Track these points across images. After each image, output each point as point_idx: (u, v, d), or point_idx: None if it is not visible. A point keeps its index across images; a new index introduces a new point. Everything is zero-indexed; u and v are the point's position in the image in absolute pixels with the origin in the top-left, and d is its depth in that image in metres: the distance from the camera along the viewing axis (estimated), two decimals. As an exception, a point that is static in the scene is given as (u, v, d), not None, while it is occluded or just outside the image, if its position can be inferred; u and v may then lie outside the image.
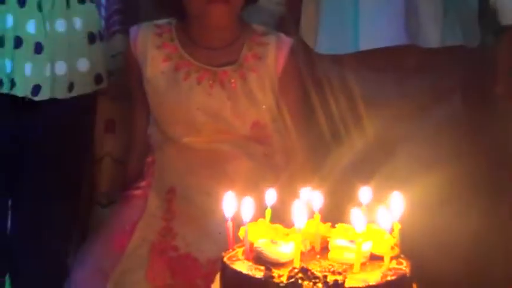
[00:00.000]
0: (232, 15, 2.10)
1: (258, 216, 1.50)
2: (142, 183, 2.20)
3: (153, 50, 2.16)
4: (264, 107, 2.15)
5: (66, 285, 2.09)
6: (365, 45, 2.08)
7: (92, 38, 2.18)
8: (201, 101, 2.12)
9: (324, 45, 2.15)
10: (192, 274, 2.02)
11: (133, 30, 2.20)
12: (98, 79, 2.19)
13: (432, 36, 2.08)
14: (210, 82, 2.12)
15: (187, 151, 2.16)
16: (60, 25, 2.11)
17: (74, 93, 2.13)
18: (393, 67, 2.11)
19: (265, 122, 2.16)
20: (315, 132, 2.16)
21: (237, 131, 2.15)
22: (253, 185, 2.03)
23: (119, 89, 2.29)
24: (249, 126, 2.15)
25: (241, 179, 2.11)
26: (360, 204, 1.54)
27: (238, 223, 1.47)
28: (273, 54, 2.15)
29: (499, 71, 1.96)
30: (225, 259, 1.43)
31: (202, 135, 2.14)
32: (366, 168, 1.99)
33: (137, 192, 2.19)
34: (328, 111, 2.12)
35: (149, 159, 2.22)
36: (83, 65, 2.15)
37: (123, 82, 2.28)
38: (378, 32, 2.09)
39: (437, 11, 2.08)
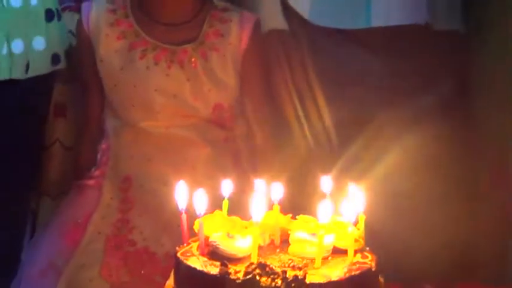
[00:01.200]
0: None
1: (216, 208, 1.44)
2: (96, 172, 2.11)
3: (107, 28, 2.06)
4: (226, 87, 2.07)
5: (15, 281, 2.02)
6: (377, 21, 2.03)
7: (49, 15, 2.06)
8: (159, 82, 2.03)
9: (324, 17, 2.09)
10: (150, 270, 1.94)
11: (85, 6, 2.10)
12: (55, 59, 2.08)
13: (450, 19, 2.04)
14: (168, 62, 2.04)
15: (144, 137, 2.07)
16: (16, 0, 1.99)
17: (30, 74, 2.02)
18: (386, 47, 2.07)
19: (228, 104, 2.07)
20: (279, 116, 2.11)
21: (198, 114, 2.06)
22: (212, 173, 1.97)
23: (69, 70, 2.19)
24: (211, 108, 2.06)
25: (200, 166, 2.04)
26: (323, 195, 1.48)
27: (193, 215, 1.40)
28: (236, 31, 2.07)
29: None
30: (178, 254, 1.36)
31: (161, 119, 2.05)
32: (331, 154, 1.94)
33: (90, 181, 2.10)
34: (297, 91, 2.07)
35: (103, 145, 2.12)
36: (40, 43, 2.04)
37: (73, 62, 2.16)
38: (392, 8, 2.04)
39: None
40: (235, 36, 2.07)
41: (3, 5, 1.96)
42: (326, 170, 1.57)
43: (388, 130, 2.01)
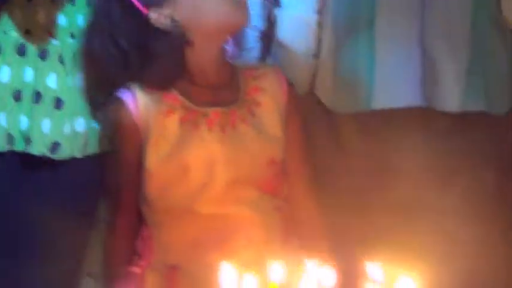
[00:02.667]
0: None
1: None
2: (141, 261, 2.03)
3: (154, 107, 1.98)
4: (277, 139, 2.03)
5: None
6: (378, 104, 2.05)
7: None
8: (216, 151, 1.96)
9: (337, 102, 2.12)
10: None
11: (126, 93, 1.99)
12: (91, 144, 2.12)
13: (450, 100, 2.03)
14: (223, 125, 1.98)
15: (192, 220, 1.98)
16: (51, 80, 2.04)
17: (89, 151, 2.08)
18: (417, 130, 2.05)
19: (279, 159, 2.02)
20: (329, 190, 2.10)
21: (253, 178, 1.99)
22: (264, 252, 1.92)
23: None
24: (265, 167, 1.99)
25: (252, 246, 1.97)
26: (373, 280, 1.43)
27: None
28: (276, 83, 2.05)
29: None
30: None
31: (213, 194, 1.96)
32: (385, 239, 1.90)
33: (135, 270, 2.03)
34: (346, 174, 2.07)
35: (144, 233, 2.05)
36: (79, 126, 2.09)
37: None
38: (392, 91, 2.06)
39: (459, 73, 2.05)
40: (276, 87, 2.05)
41: (67, 84, 2.04)
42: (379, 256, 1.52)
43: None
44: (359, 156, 2.12)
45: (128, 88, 1.99)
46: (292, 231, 2.06)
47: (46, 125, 2.01)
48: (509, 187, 2.08)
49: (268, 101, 2.04)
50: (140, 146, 1.99)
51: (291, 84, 2.09)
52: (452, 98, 2.05)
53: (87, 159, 2.10)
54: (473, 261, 1.98)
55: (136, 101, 1.99)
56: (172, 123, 1.98)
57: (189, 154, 1.96)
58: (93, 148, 2.09)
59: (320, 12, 2.15)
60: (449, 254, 1.93)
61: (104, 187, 2.13)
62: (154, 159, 1.97)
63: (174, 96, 2.00)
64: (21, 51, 2.03)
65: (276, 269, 1.45)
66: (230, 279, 1.39)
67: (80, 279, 2.24)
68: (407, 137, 2.08)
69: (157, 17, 1.96)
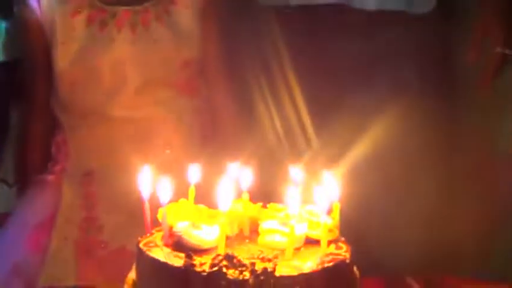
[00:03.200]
0: None
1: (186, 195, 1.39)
2: (56, 167, 2.01)
3: (59, 7, 1.94)
4: (192, 39, 1.99)
5: None
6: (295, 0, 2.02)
7: None
8: (126, 53, 1.93)
9: None
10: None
11: None
12: None
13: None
14: (133, 27, 1.94)
15: (106, 125, 1.96)
16: None
17: None
18: (337, 29, 2.04)
19: (196, 57, 1.99)
20: (246, 88, 2.07)
21: (167, 80, 1.96)
22: (181, 155, 1.90)
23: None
24: (180, 68, 1.96)
25: (171, 145, 1.96)
26: (295, 183, 1.43)
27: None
28: None
29: (473, 39, 1.90)
30: (140, 245, 1.31)
31: (127, 97, 1.94)
32: (301, 142, 1.90)
33: (50, 177, 2.00)
34: (268, 72, 2.04)
35: (58, 138, 2.02)
36: None
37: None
38: None
39: None
40: None
41: None
42: (299, 157, 1.51)
43: (366, 114, 1.97)
44: (286, 52, 2.08)
45: None
46: (212, 133, 2.03)
47: None
48: (430, 84, 2.07)
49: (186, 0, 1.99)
50: (47, 47, 1.95)
51: None
52: None
53: None
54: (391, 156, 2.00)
55: (39, 1, 1.95)
56: (80, 23, 1.94)
57: (97, 56, 1.93)
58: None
59: None
60: (372, 149, 1.93)
61: (15, 93, 2.06)
62: (63, 61, 1.93)
63: None
64: None
65: (194, 171, 1.44)
66: (147, 182, 1.37)
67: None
68: (327, 36, 2.05)
69: None
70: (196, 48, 1.99)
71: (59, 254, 1.92)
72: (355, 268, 1.34)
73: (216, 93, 2.06)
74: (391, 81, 2.04)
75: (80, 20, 1.94)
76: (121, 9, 1.94)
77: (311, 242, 1.32)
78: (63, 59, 1.94)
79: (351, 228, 1.38)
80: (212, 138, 2.04)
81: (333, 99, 2.00)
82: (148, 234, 1.35)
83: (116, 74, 1.93)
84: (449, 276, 1.60)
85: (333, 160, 1.56)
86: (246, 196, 1.39)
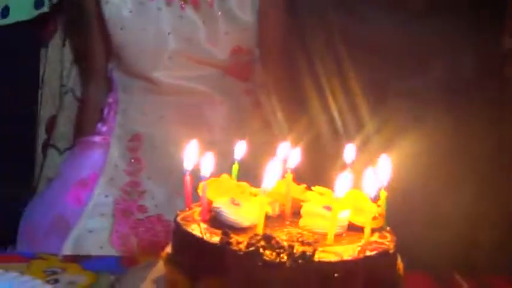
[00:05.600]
0: None
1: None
2: (103, 128, 2.04)
3: None
4: (245, 27, 1.99)
5: (20, 234, 1.98)
6: None
7: None
8: (172, 25, 1.94)
9: None
10: (165, 240, 1.83)
11: None
12: (38, 3, 2.02)
13: None
14: (182, 2, 1.95)
15: (156, 90, 1.98)
16: None
17: (9, 20, 1.98)
18: (399, 8, 2.00)
19: (247, 47, 1.99)
20: (300, 71, 2.04)
21: (215, 61, 1.97)
22: (231, 132, 1.89)
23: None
24: (229, 53, 1.97)
25: (217, 125, 1.96)
26: (345, 165, 1.39)
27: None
28: None
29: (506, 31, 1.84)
30: (178, 219, 1.29)
31: (173, 68, 1.96)
32: (355, 122, 1.85)
33: (96, 138, 2.03)
34: (321, 54, 2.00)
35: (110, 99, 2.05)
36: None
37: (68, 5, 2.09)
38: None
39: None
40: None
41: None
42: (350, 139, 1.47)
43: (421, 100, 1.92)
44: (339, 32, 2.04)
45: None
46: (267, 115, 2.01)
47: None
48: (487, 69, 2.01)
49: None
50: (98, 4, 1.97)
51: None
52: None
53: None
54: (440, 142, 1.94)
55: None
56: None
57: (142, 22, 1.96)
58: (13, 16, 2.00)
59: None
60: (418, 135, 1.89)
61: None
62: (112, 22, 1.97)
63: None
64: None
65: (240, 148, 1.41)
66: (191, 155, 1.35)
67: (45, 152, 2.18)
68: (384, 16, 2.00)
69: None
70: (249, 37, 1.98)
71: (97, 207, 1.95)
72: (399, 259, 1.30)
73: (272, 80, 2.05)
74: (448, 67, 1.98)
75: None
76: None
77: (355, 229, 1.28)
78: (111, 20, 1.96)
79: (397, 218, 1.34)
80: (261, 120, 2.02)
81: (389, 81, 1.95)
82: (187, 209, 1.33)
83: (160, 45, 1.95)
84: (499, 277, 1.55)
85: (385, 145, 1.51)
86: (290, 176, 1.35)
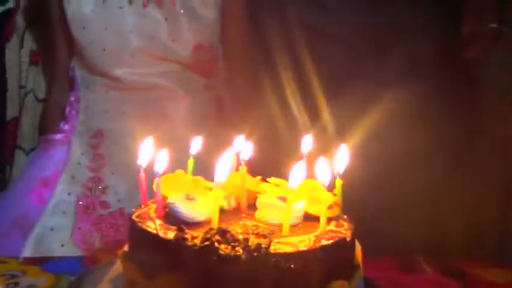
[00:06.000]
0: None
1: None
2: (66, 126, 2.04)
3: None
4: (207, 24, 2.00)
5: None
6: None
7: None
8: (134, 23, 1.95)
9: None
10: (126, 234, 1.85)
11: None
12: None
13: None
14: (144, 1, 1.95)
15: (118, 89, 2.00)
16: None
17: None
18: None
19: (209, 44, 2.00)
20: (258, 65, 2.06)
21: (177, 57, 1.99)
22: (192, 127, 1.90)
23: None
24: (191, 49, 1.99)
25: (179, 120, 1.97)
26: (301, 156, 1.39)
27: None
28: None
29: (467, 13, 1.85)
30: (133, 217, 1.28)
31: (136, 65, 1.98)
32: (313, 113, 1.86)
33: (59, 136, 2.04)
34: (276, 40, 2.02)
35: (72, 98, 2.05)
36: None
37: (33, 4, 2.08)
38: None
39: None
40: None
41: None
42: (306, 130, 1.47)
43: (379, 86, 1.93)
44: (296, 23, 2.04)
45: None
46: (225, 118, 2.01)
47: None
48: (447, 62, 2.03)
49: None
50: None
51: None
52: None
53: None
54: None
55: None
56: None
57: (104, 19, 1.96)
58: None
59: None
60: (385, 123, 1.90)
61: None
62: (74, 20, 1.97)
63: None
64: None
65: (196, 143, 1.41)
66: (146, 152, 1.35)
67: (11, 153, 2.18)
68: (343, 6, 2.02)
69: None
70: (212, 33, 2.00)
71: (59, 206, 1.96)
72: (357, 247, 1.30)
73: (234, 75, 2.07)
74: (406, 55, 2.00)
75: None
76: None
77: (311, 219, 1.28)
78: (73, 20, 1.97)
79: (356, 205, 1.34)
80: (222, 115, 2.03)
81: (348, 71, 1.96)
82: (142, 206, 1.32)
83: (123, 43, 1.96)
84: (463, 260, 1.56)
85: (341, 133, 1.52)
86: (244, 168, 1.35)
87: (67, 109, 2.06)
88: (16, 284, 1.43)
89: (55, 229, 1.91)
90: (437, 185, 1.97)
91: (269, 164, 1.40)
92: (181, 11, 1.96)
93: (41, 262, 1.54)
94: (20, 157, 2.17)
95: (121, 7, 1.94)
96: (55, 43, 2.05)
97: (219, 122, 2.01)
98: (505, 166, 2.00)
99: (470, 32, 1.93)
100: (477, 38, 1.94)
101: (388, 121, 1.87)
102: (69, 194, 1.96)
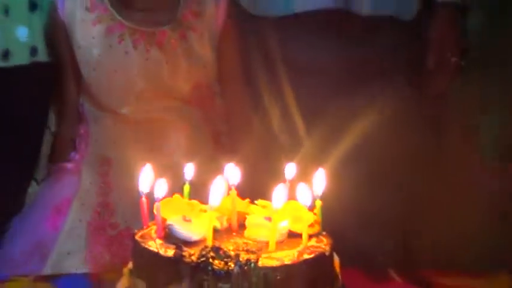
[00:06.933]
0: None
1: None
2: (75, 156, 2.14)
3: (82, 12, 2.07)
4: (205, 65, 2.10)
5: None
6: (299, 7, 2.11)
7: (33, 5, 2.09)
8: (139, 67, 2.04)
9: (259, 7, 2.17)
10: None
11: None
12: (34, 50, 2.11)
13: (363, 2, 2.10)
14: (147, 45, 2.05)
15: (125, 122, 2.09)
16: None
17: (10, 63, 2.06)
18: (333, 34, 2.10)
19: (207, 83, 2.10)
20: (252, 100, 2.17)
21: (178, 95, 2.08)
22: (192, 155, 2.00)
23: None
24: (190, 88, 2.08)
25: (181, 149, 2.07)
26: (284, 180, 1.52)
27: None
28: (212, 10, 2.10)
29: (430, 48, 1.97)
30: (136, 237, 1.41)
31: (141, 103, 2.07)
32: (295, 141, 1.98)
33: (69, 165, 2.14)
34: (263, 77, 2.14)
35: (81, 131, 2.15)
36: (22, 33, 2.08)
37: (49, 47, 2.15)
38: None
39: None
40: (211, 13, 2.10)
41: None
42: (290, 157, 1.60)
43: (348, 118, 2.06)
44: (284, 60, 2.18)
45: None
46: (220, 146, 2.13)
47: None
48: (416, 89, 2.15)
49: (203, 27, 2.09)
50: (70, 44, 2.08)
51: (230, 6, 2.14)
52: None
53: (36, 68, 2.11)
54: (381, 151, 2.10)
55: (64, 1, 2.09)
56: (99, 32, 2.07)
57: (112, 64, 2.07)
58: (13, 60, 2.08)
59: None
60: (358, 148, 2.02)
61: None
62: (82, 64, 2.05)
63: (104, 7, 2.09)
64: None
65: (190, 170, 1.54)
66: (146, 179, 1.48)
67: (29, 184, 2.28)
68: (325, 41, 2.15)
69: None
70: (209, 73, 2.11)
71: (72, 231, 2.05)
72: (336, 260, 1.43)
73: (232, 110, 2.19)
74: (382, 84, 2.12)
75: (100, 29, 2.07)
76: (140, 30, 2.06)
77: (294, 236, 1.40)
78: (82, 62, 2.07)
79: (334, 223, 1.46)
80: (218, 146, 2.15)
81: (326, 100, 2.10)
82: (144, 227, 1.45)
83: (129, 84, 2.06)
84: (427, 269, 1.66)
85: (320, 158, 1.64)
86: (233, 192, 1.48)
87: (77, 140, 2.16)
88: (27, 300, 1.51)
89: (71, 253, 2.02)
90: (397, 205, 2.08)
91: (256, 188, 1.52)
92: (181, 53, 2.07)
93: (51, 279, 1.62)
94: (32, 188, 2.26)
95: (126, 52, 2.05)
96: (66, 82, 2.15)
97: (215, 152, 2.10)
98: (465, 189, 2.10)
99: (433, 66, 2.03)
100: (439, 72, 2.05)
101: (361, 146, 1.99)
102: (80, 220, 2.07)
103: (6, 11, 2.04)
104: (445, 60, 2.06)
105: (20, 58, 2.07)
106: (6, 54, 2.06)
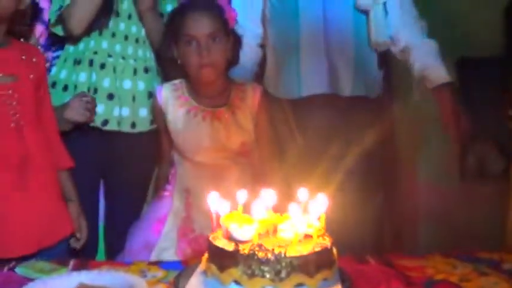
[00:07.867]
0: (218, 74, 2.05)
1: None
2: (169, 187, 2.15)
3: (173, 100, 2.11)
4: (248, 131, 2.08)
5: (123, 252, 2.07)
6: (305, 92, 2.12)
7: (150, 94, 2.22)
8: (206, 132, 2.06)
9: (281, 92, 2.20)
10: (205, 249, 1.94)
11: (158, 88, 2.15)
12: (152, 122, 2.23)
13: (345, 88, 2.12)
14: (211, 119, 2.07)
15: (198, 165, 2.10)
16: (127, 84, 2.18)
17: (136, 130, 2.19)
18: (328, 108, 2.13)
19: (249, 142, 2.10)
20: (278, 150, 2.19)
21: (230, 150, 2.08)
22: (240, 187, 1.96)
23: None
24: (238, 145, 2.08)
25: (232, 183, 2.06)
26: (298, 201, 1.47)
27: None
28: (251, 96, 2.10)
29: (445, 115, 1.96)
30: (210, 238, 1.42)
31: (207, 155, 2.07)
32: (305, 174, 1.96)
33: (166, 193, 2.15)
34: (285, 137, 2.16)
35: (172, 171, 2.16)
36: (143, 112, 2.21)
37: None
38: (312, 84, 2.11)
39: (349, 73, 2.11)
40: (251, 97, 2.10)
41: (116, 86, 2.15)
42: (302, 184, 1.55)
43: (338, 162, 2.08)
44: (297, 125, 2.19)
45: (161, 86, 2.14)
46: (259, 179, 2.11)
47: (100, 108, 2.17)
48: (386, 151, 2.15)
49: (246, 106, 2.11)
50: (165, 119, 2.11)
51: (263, 94, 2.13)
52: (346, 86, 2.13)
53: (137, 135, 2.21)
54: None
55: (161, 94, 2.11)
56: (183, 112, 2.10)
57: (189, 130, 2.08)
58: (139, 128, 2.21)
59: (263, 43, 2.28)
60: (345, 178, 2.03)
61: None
62: (173, 131, 2.09)
63: (186, 98, 2.12)
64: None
65: (242, 195, 1.51)
66: (214, 201, 1.47)
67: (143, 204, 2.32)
68: (323, 111, 2.14)
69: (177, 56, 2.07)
70: (250, 135, 2.10)
71: (168, 235, 2.05)
72: (334, 251, 1.41)
73: (263, 158, 2.14)
74: (354, 144, 2.10)
75: (183, 110, 2.08)
76: (206, 109, 2.08)
77: (308, 236, 1.39)
78: (172, 131, 2.09)
79: (333, 227, 1.44)
80: (257, 178, 2.13)
81: (324, 146, 2.10)
82: (214, 232, 1.44)
83: (201, 143, 2.06)
84: (394, 254, 1.63)
85: (322, 186, 1.60)
86: (270, 210, 1.47)
87: (170, 177, 2.16)
88: (145, 275, 1.51)
89: (166, 249, 2.02)
90: (374, 210, 2.07)
91: (283, 206, 1.48)
92: (231, 123, 2.06)
93: (158, 263, 1.62)
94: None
95: (198, 123, 2.06)
96: (163, 141, 2.16)
97: (256, 183, 2.07)
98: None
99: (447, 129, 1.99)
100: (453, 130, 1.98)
101: (346, 177, 2.00)
102: (173, 226, 2.07)
103: (134, 98, 2.18)
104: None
105: (142, 127, 2.20)
106: (133, 125, 2.19)
